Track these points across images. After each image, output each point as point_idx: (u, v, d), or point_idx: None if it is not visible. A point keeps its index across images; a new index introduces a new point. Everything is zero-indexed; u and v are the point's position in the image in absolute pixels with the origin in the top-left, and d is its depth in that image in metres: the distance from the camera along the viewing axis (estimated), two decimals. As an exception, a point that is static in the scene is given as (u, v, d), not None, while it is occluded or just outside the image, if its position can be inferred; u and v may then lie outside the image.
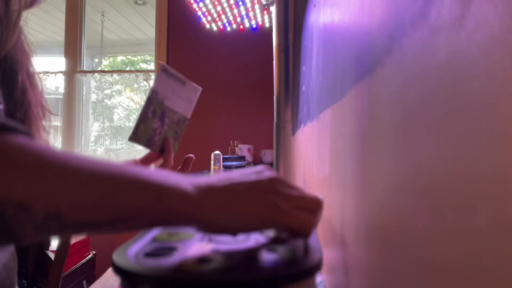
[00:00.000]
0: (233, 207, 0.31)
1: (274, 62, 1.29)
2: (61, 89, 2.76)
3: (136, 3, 3.04)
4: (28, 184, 0.26)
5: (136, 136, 0.58)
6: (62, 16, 2.77)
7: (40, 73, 0.58)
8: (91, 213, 0.28)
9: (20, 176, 0.26)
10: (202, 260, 0.30)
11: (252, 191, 0.32)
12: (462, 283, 0.20)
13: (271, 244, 0.35)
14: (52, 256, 0.71)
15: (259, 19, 1.46)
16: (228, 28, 1.52)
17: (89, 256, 2.01)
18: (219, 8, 1.34)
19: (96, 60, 3.15)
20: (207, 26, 1.51)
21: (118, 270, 0.29)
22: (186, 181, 0.31)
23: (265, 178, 0.33)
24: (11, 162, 0.26)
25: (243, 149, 2.49)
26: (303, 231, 0.33)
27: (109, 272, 0.90)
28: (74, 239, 1.78)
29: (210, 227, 0.31)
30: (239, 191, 0.32)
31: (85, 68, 2.79)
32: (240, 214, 0.31)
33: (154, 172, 0.31)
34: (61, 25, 2.79)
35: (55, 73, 2.72)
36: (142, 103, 3.75)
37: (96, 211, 0.28)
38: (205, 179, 0.32)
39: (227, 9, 1.35)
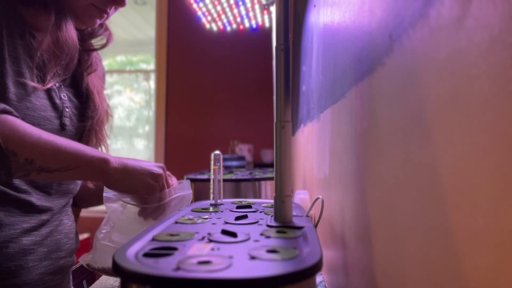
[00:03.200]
0: (130, 178, 0.62)
1: (274, 62, 1.29)
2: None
3: (136, 3, 3.04)
4: (21, 144, 0.53)
5: None
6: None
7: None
8: (50, 162, 0.55)
9: (16, 138, 0.53)
10: (202, 260, 0.30)
11: (141, 175, 0.63)
12: (462, 283, 0.20)
13: (271, 244, 0.35)
14: None
15: (259, 19, 1.45)
16: (228, 28, 1.52)
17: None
18: (219, 8, 1.34)
19: (96, 60, 3.15)
20: (207, 26, 1.51)
21: (118, 270, 0.29)
22: (110, 157, 0.61)
23: (154, 171, 0.64)
24: (13, 133, 0.53)
25: (243, 149, 2.49)
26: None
27: (109, 272, 0.90)
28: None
29: (108, 185, 0.62)
30: (135, 174, 0.63)
31: (85, 68, 2.79)
32: (132, 183, 0.63)
33: (94, 150, 0.61)
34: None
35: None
36: (143, 103, 3.74)
37: (53, 161, 0.55)
38: (124, 161, 0.63)
39: (227, 9, 1.35)
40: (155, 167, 0.65)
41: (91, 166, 0.59)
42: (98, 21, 0.72)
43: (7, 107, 0.56)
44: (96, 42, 0.79)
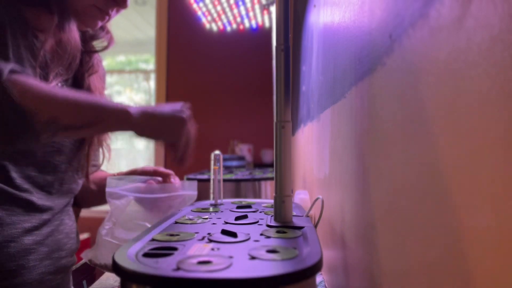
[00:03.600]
0: (155, 123, 0.61)
1: (274, 62, 1.29)
2: (61, 89, 2.76)
3: (136, 3, 3.04)
4: (39, 101, 0.51)
5: None
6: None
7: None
8: (73, 118, 0.53)
9: (34, 97, 0.50)
10: (202, 260, 0.30)
11: (168, 119, 0.62)
12: (462, 283, 0.20)
13: (271, 244, 0.35)
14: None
15: (259, 19, 1.45)
16: (228, 28, 1.52)
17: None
18: (219, 8, 1.34)
19: (96, 60, 3.15)
20: (207, 26, 1.51)
21: (118, 270, 0.29)
22: (131, 107, 0.58)
23: (177, 114, 0.63)
24: (29, 91, 0.50)
25: (243, 149, 2.48)
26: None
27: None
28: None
29: (137, 134, 0.59)
30: (160, 118, 0.61)
31: (85, 68, 2.79)
32: (158, 127, 0.61)
33: (113, 102, 0.60)
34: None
35: (55, 73, 2.72)
36: (143, 103, 3.74)
37: (76, 117, 0.53)
38: (144, 108, 0.60)
39: (227, 9, 1.35)
40: (177, 111, 0.64)
41: (114, 119, 0.58)
42: (100, 23, 0.73)
43: (16, 66, 0.53)
44: (97, 44, 0.80)
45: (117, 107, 0.58)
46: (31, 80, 0.53)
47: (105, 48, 0.80)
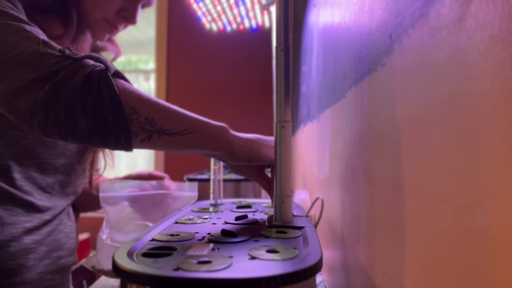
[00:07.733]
0: (248, 148, 0.56)
1: (274, 62, 1.29)
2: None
3: (136, 3, 3.03)
4: (139, 100, 0.49)
5: None
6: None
7: None
8: (168, 123, 0.49)
9: (134, 96, 0.49)
10: (202, 260, 0.30)
11: (264, 141, 0.59)
12: (462, 283, 0.20)
13: (271, 244, 0.35)
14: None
15: (259, 19, 1.45)
16: (228, 28, 1.52)
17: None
18: (219, 8, 1.34)
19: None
20: (207, 26, 1.51)
21: (118, 270, 0.29)
22: (227, 129, 0.56)
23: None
24: (130, 91, 0.49)
25: (243, 149, 2.48)
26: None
27: (109, 272, 0.89)
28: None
29: (231, 153, 0.54)
30: (258, 142, 0.58)
31: (85, 68, 2.79)
32: (258, 150, 0.57)
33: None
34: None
35: (55, 73, 2.72)
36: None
37: (172, 122, 0.50)
38: (241, 134, 0.57)
39: (227, 9, 1.35)
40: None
41: (211, 130, 0.53)
42: (107, 36, 0.76)
43: (119, 70, 0.53)
44: (105, 56, 0.84)
45: (213, 122, 0.55)
46: (131, 85, 0.52)
47: (112, 60, 0.84)
